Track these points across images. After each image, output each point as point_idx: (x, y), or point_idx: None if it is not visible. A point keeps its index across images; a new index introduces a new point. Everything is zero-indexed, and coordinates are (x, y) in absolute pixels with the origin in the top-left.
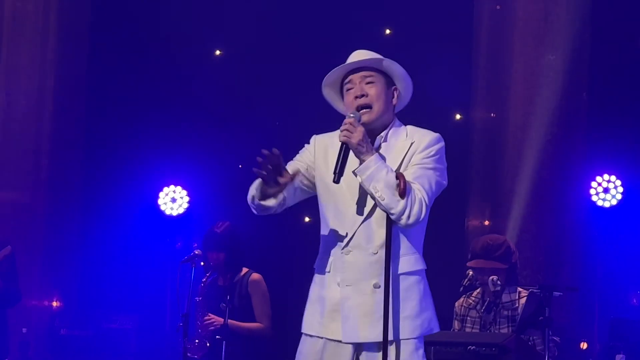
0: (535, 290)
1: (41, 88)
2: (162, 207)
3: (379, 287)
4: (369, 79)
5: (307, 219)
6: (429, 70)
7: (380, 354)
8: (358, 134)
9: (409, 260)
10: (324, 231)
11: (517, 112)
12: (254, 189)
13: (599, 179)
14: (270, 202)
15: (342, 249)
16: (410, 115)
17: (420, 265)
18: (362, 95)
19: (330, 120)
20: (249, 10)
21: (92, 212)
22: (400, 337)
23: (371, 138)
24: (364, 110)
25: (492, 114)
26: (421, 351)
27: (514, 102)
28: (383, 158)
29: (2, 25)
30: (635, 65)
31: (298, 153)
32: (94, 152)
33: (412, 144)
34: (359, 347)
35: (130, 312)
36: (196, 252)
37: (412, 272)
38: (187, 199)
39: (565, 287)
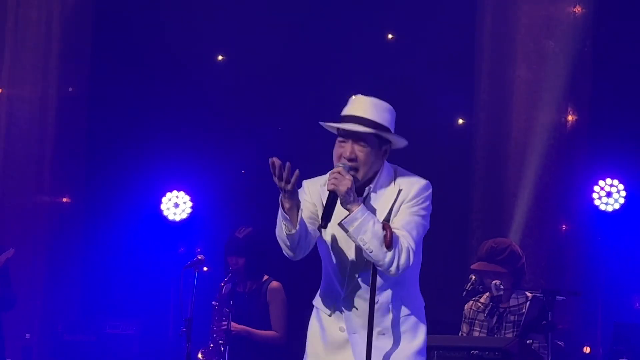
0: (538, 295)
1: (44, 94)
2: (165, 213)
3: (384, 334)
4: (361, 143)
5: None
6: (432, 75)
7: None
8: (346, 183)
9: (410, 302)
10: (325, 272)
11: (520, 116)
12: (280, 230)
13: (601, 183)
14: (293, 230)
15: (343, 296)
16: (413, 121)
17: (418, 306)
18: (351, 159)
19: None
20: (251, 16)
21: (95, 217)
22: None
23: (360, 188)
24: (352, 171)
25: (494, 119)
26: None
27: (517, 106)
28: (371, 208)
29: (6, 32)
30: (638, 68)
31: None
32: (97, 158)
33: (400, 191)
34: None
35: (133, 317)
36: (199, 258)
37: (410, 315)
38: (190, 204)
39: (568, 291)
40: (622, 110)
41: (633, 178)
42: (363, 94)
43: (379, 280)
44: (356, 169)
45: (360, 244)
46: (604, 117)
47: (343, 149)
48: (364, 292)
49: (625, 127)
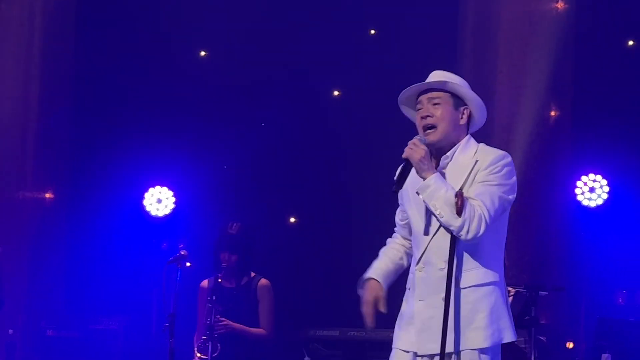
0: (521, 290)
1: (26, 89)
2: (148, 208)
3: (446, 300)
4: (435, 100)
5: (292, 220)
6: (414, 70)
7: None
8: (420, 152)
9: (477, 274)
10: (412, 244)
11: (502, 112)
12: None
13: (584, 178)
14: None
15: (416, 265)
16: (395, 117)
17: (490, 278)
18: (428, 116)
19: (317, 122)
20: (234, 11)
21: (78, 213)
22: (469, 347)
23: (439, 157)
24: (429, 130)
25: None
26: None
27: (499, 102)
28: (448, 176)
29: None
30: (620, 64)
31: None
32: (80, 154)
33: (476, 162)
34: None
35: (116, 313)
36: (182, 253)
37: (479, 285)
38: (173, 199)
39: (551, 286)
40: (604, 106)
41: (616, 173)
42: (346, 89)
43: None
44: (434, 127)
45: (432, 209)
46: (587, 113)
47: (421, 110)
48: (438, 259)
49: (608, 123)
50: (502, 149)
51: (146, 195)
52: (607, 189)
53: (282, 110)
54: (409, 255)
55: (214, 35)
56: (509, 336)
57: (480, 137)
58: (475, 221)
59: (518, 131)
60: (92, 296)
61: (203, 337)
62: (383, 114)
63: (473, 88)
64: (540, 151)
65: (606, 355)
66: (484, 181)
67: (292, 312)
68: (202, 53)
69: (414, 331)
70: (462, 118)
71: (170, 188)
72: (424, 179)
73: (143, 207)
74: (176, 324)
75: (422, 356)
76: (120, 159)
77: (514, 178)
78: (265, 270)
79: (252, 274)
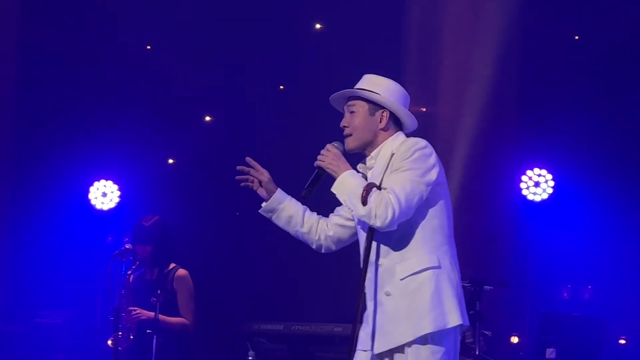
0: (465, 285)
1: None
2: (93, 202)
3: (390, 294)
4: (352, 109)
5: (237, 214)
6: (358, 66)
7: (401, 355)
8: (330, 156)
9: (412, 262)
10: None
11: (447, 106)
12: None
13: (529, 173)
14: (304, 229)
15: (362, 265)
16: (336, 117)
17: (427, 264)
18: (345, 126)
19: (262, 116)
20: (179, 5)
21: (22, 206)
22: (414, 336)
23: (365, 158)
24: (347, 138)
25: (422, 108)
26: (439, 348)
27: (444, 96)
28: (372, 175)
29: None
30: (565, 60)
31: None
32: (24, 147)
33: (393, 154)
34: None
35: (60, 306)
36: (127, 247)
37: (416, 272)
38: (117, 193)
39: (496, 281)
40: (550, 101)
41: (561, 168)
42: (291, 83)
43: (382, 244)
44: (350, 135)
45: (344, 204)
46: (532, 108)
47: (343, 119)
48: (373, 258)
49: (554, 118)
50: (447, 143)
51: (91, 188)
52: (552, 183)
53: (228, 104)
54: (317, 233)
55: (160, 29)
56: (454, 320)
57: (425, 131)
58: (381, 207)
59: (463, 126)
60: (37, 290)
61: (120, 331)
62: (327, 108)
63: (419, 82)
64: (485, 145)
65: (551, 349)
66: (396, 169)
67: (237, 306)
68: (148, 47)
69: (367, 330)
70: (381, 122)
71: (115, 182)
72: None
73: (88, 200)
74: (120, 318)
75: (379, 354)
76: (66, 152)
77: (431, 159)
78: (209, 263)
79: (172, 265)
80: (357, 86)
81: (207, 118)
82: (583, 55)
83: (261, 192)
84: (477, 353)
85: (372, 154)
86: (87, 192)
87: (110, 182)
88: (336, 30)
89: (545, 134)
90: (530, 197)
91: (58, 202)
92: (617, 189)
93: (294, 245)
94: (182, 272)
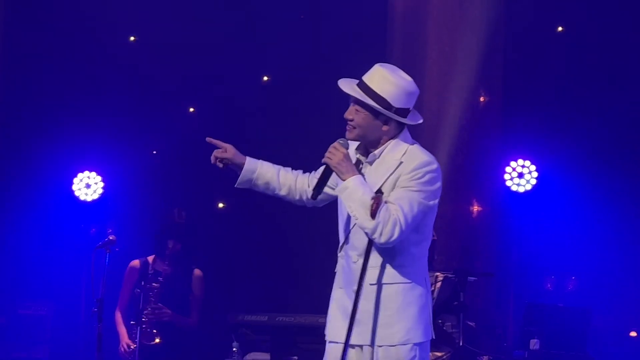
0: (449, 276)
1: None
2: (77, 193)
3: (374, 288)
4: (356, 107)
5: (220, 205)
6: (343, 56)
7: (361, 354)
8: (338, 155)
9: (388, 272)
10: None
11: (432, 97)
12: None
13: (513, 164)
14: (282, 192)
15: (339, 253)
16: (323, 101)
17: (404, 277)
18: (348, 119)
19: (246, 107)
20: None
21: (6, 197)
22: (376, 344)
23: (367, 153)
24: (349, 129)
25: None
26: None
27: (429, 87)
28: (370, 175)
29: None
30: (549, 50)
31: None
32: (8, 138)
33: (400, 164)
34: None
35: (45, 298)
36: (111, 238)
37: (392, 283)
38: (101, 184)
39: (480, 272)
40: (534, 92)
41: (545, 159)
42: (280, 73)
43: (365, 243)
44: (353, 128)
45: (349, 210)
46: (516, 99)
47: (347, 110)
48: (353, 252)
49: (537, 109)
50: (431, 135)
51: (75, 180)
52: (535, 174)
53: (211, 95)
54: (296, 192)
55: (144, 20)
56: (418, 337)
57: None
58: (389, 225)
59: (447, 117)
60: (21, 281)
61: (132, 322)
62: (313, 99)
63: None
64: (469, 137)
65: (535, 340)
66: (405, 186)
67: (221, 297)
68: (132, 38)
69: (335, 319)
70: (385, 123)
71: (99, 173)
72: (343, 180)
73: (72, 192)
74: (104, 309)
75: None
76: (49, 144)
77: (438, 184)
78: (193, 255)
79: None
80: (366, 81)
81: (191, 109)
82: (567, 46)
83: (233, 167)
84: (460, 344)
85: (375, 152)
86: (71, 183)
87: (94, 174)
88: (321, 21)
89: (529, 126)
90: (514, 188)
91: (42, 193)
92: (600, 180)
93: (278, 237)
94: (199, 272)
